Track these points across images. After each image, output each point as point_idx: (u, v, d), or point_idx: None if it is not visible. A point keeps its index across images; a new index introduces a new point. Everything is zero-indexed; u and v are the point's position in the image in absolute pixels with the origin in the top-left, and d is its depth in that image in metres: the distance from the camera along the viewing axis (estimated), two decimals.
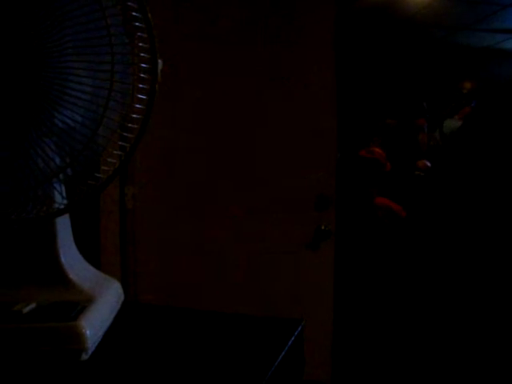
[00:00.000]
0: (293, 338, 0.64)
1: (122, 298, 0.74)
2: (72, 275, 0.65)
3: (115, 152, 0.59)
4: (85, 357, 0.57)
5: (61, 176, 0.59)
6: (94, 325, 0.59)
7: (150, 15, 0.56)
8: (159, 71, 0.57)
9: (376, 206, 2.46)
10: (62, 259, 0.64)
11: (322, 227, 1.81)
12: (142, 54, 0.57)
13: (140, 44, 0.57)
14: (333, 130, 1.83)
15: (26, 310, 0.59)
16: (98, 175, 0.59)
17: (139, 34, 0.57)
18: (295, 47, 1.74)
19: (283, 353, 0.60)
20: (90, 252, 0.79)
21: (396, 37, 4.57)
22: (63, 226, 0.66)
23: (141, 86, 0.57)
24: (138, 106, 0.57)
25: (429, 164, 3.38)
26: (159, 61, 0.57)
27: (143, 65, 0.57)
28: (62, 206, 0.60)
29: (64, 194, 0.61)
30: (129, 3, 0.56)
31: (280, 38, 1.72)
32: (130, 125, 0.58)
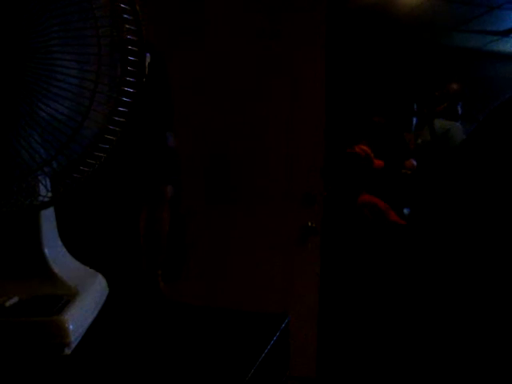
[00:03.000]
0: (278, 333, 0.64)
1: (107, 292, 0.73)
2: (56, 269, 0.64)
3: (101, 145, 0.59)
4: (67, 351, 0.57)
5: (46, 169, 0.59)
6: (77, 319, 0.59)
7: (138, 7, 0.56)
8: (147, 64, 0.57)
9: (362, 203, 2.48)
10: (46, 252, 0.64)
11: (309, 224, 1.82)
12: (129, 47, 0.56)
13: (128, 37, 0.56)
14: (321, 128, 1.84)
15: (9, 303, 0.58)
16: (83, 168, 0.59)
17: (127, 26, 0.56)
18: (286, 43, 1.74)
19: (268, 348, 0.60)
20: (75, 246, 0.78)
21: (385, 37, 4.60)
22: (47, 219, 0.65)
23: (128, 78, 0.56)
24: (124, 99, 0.57)
25: (415, 163, 3.41)
26: (147, 54, 0.57)
27: (131, 57, 0.56)
28: (47, 199, 0.60)
29: (49, 187, 0.60)
30: None
31: (271, 34, 1.72)
32: (116, 118, 0.57)
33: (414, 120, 3.56)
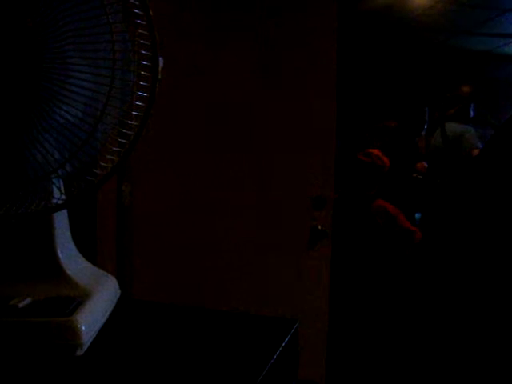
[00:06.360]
0: (287, 338, 0.64)
1: (119, 294, 0.74)
2: (69, 270, 0.65)
3: (114, 148, 0.59)
4: (80, 352, 0.57)
5: (59, 171, 0.59)
6: (89, 320, 0.60)
7: (151, 12, 0.56)
8: (160, 69, 0.57)
9: (373, 209, 2.46)
10: (59, 254, 0.65)
11: (319, 227, 1.82)
12: (142, 52, 0.57)
13: (141, 41, 0.57)
14: (331, 131, 1.83)
15: (22, 304, 0.59)
16: (96, 171, 0.59)
17: (140, 31, 0.57)
18: (295, 46, 1.74)
19: (277, 352, 0.60)
20: (87, 248, 0.79)
21: (396, 40, 4.58)
22: (61, 222, 0.66)
23: (141, 83, 0.57)
24: (138, 103, 0.57)
25: (427, 166, 3.39)
26: (160, 58, 0.58)
27: (144, 62, 0.57)
28: (60, 202, 0.60)
29: (62, 190, 0.61)
30: (130, 0, 0.56)
31: (281, 36, 1.72)
32: (129, 122, 0.58)
33: (426, 124, 3.54)
